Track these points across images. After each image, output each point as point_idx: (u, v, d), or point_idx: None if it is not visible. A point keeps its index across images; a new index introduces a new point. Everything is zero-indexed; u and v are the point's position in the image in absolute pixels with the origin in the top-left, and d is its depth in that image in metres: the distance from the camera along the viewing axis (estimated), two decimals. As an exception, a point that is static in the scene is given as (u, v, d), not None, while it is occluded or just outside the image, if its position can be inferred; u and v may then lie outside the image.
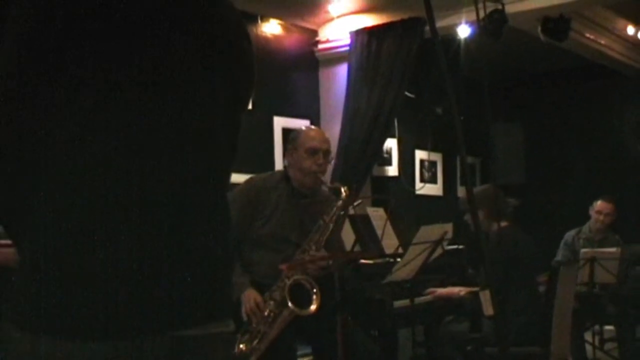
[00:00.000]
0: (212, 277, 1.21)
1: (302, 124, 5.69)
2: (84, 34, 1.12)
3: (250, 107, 5.36)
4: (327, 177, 5.48)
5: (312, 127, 4.07)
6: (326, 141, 3.64)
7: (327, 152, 3.59)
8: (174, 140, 1.18)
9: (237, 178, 5.41)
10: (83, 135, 1.11)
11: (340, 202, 3.46)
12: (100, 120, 1.12)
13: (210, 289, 1.21)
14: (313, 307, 3.20)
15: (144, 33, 1.15)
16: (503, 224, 4.15)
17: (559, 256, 5.86)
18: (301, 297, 3.23)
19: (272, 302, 3.30)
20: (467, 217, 4.15)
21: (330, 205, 3.48)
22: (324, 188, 3.63)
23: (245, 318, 3.32)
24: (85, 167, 1.12)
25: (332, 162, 3.69)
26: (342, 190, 3.49)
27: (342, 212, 3.52)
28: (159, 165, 1.16)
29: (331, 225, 3.41)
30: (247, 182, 3.72)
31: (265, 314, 3.29)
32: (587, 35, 6.02)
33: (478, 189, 4.41)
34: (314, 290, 3.23)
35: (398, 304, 4.00)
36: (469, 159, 7.33)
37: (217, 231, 1.23)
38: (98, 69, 1.12)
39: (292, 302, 3.21)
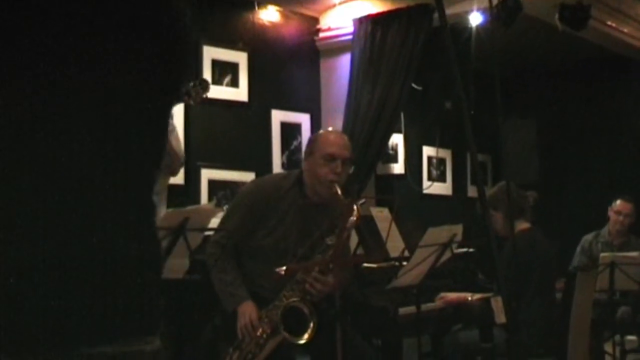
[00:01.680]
0: (130, 288, 1.16)
1: (301, 118, 5.67)
2: None
3: (246, 100, 5.38)
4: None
5: (333, 130, 3.95)
6: (347, 147, 3.51)
7: (346, 160, 3.46)
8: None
9: (233, 176, 5.40)
10: None
11: (352, 219, 3.24)
12: None
13: (129, 301, 1.16)
14: (306, 336, 3.12)
15: None
16: (522, 226, 4.12)
17: (575, 262, 5.83)
18: (297, 321, 3.17)
19: (267, 321, 3.26)
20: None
21: (338, 223, 3.29)
22: (340, 199, 3.39)
23: (239, 335, 3.28)
24: None
25: (351, 170, 3.55)
26: (355, 209, 3.27)
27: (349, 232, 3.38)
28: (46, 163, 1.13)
29: (337, 247, 3.25)
30: (255, 185, 3.64)
31: (258, 333, 3.25)
32: (608, 23, 5.97)
33: (490, 191, 4.37)
34: (311, 318, 3.14)
35: (403, 311, 3.97)
36: (480, 157, 7.29)
37: (134, 235, 1.18)
38: None
39: (285, 327, 3.15)
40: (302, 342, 3.14)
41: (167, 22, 1.21)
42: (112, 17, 1.15)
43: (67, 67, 1.12)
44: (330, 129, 3.98)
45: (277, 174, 3.62)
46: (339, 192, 3.35)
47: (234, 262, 3.44)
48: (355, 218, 3.24)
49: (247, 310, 3.29)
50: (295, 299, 3.20)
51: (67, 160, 1.11)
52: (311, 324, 3.13)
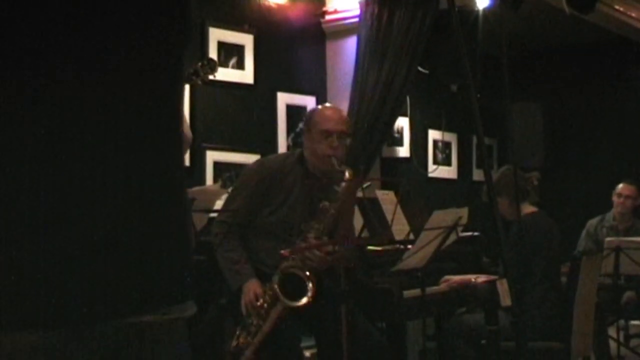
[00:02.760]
0: (167, 257, 1.18)
1: (307, 100, 5.66)
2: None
3: (251, 82, 5.37)
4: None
5: (329, 105, 3.99)
6: (343, 122, 3.57)
7: (343, 134, 3.51)
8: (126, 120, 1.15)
9: (238, 158, 5.41)
10: (23, 118, 1.10)
11: (342, 185, 3.40)
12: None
13: (167, 269, 1.18)
14: (305, 299, 3.18)
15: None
16: (528, 209, 4.12)
17: (580, 246, 5.83)
18: (296, 288, 3.21)
19: (269, 294, 3.30)
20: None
21: (332, 189, 3.44)
22: (334, 168, 3.51)
23: (244, 311, 3.31)
24: (27, 150, 1.10)
25: (348, 142, 3.64)
26: (346, 173, 3.42)
27: (347, 198, 3.46)
28: (105, 143, 1.14)
29: (333, 211, 3.36)
30: (260, 164, 3.68)
31: (258, 303, 3.30)
32: (616, 7, 5.95)
33: (496, 174, 4.37)
34: (309, 281, 3.20)
35: (408, 294, 3.98)
36: (486, 140, 7.29)
37: (169, 206, 1.20)
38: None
39: (284, 294, 3.19)
40: (300, 304, 3.18)
41: None
42: None
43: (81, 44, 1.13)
44: (327, 104, 4.00)
45: (280, 154, 3.70)
46: (335, 164, 3.43)
47: (239, 241, 3.48)
48: (347, 179, 3.36)
49: (252, 287, 3.34)
50: (291, 265, 3.24)
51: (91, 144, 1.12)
52: (309, 287, 3.19)
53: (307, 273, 3.24)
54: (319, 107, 3.71)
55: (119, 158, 1.14)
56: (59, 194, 1.11)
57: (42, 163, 1.10)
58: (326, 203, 3.38)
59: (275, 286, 3.21)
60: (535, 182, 4.24)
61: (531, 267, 3.99)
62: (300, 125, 5.58)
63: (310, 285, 3.21)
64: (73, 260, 1.10)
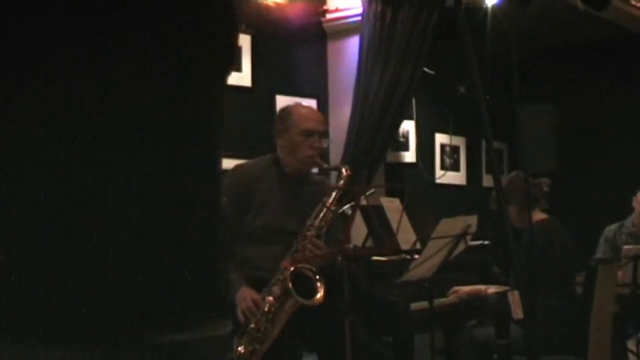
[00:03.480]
0: (201, 273, 1.20)
1: (308, 104, 5.66)
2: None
3: (249, 85, 5.38)
4: (335, 162, 5.47)
5: (304, 105, 4.10)
6: (322, 121, 3.69)
7: (323, 134, 3.63)
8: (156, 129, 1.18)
9: (235, 164, 5.40)
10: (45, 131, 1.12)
11: (341, 183, 3.50)
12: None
13: (201, 286, 1.20)
14: (319, 295, 3.24)
15: None
16: (539, 217, 4.13)
17: (599, 253, 5.83)
18: (304, 288, 3.26)
19: (271, 298, 3.33)
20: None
21: (329, 187, 3.54)
22: (323, 167, 3.72)
23: (242, 318, 3.34)
24: (50, 161, 1.12)
25: (329, 145, 3.79)
26: (343, 169, 3.54)
27: (342, 196, 3.57)
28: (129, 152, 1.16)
29: (333, 209, 3.45)
30: (234, 170, 3.75)
31: (266, 309, 3.32)
32: (632, 2, 5.96)
33: (505, 179, 4.38)
34: (318, 279, 3.26)
35: (415, 306, 3.99)
36: (495, 144, 7.29)
37: (203, 220, 1.22)
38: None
39: (297, 292, 3.24)
40: (315, 301, 3.23)
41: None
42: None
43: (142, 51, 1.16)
44: (299, 103, 4.10)
45: (251, 160, 3.76)
46: (322, 163, 3.60)
47: (228, 251, 3.52)
48: (344, 176, 3.50)
49: (247, 294, 3.39)
50: (299, 266, 3.29)
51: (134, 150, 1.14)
52: (319, 284, 3.24)
53: (313, 273, 3.30)
54: (293, 106, 3.78)
55: (143, 165, 1.16)
56: (80, 201, 1.12)
57: (64, 174, 1.13)
58: (325, 201, 3.46)
59: (290, 285, 3.24)
60: (546, 188, 4.26)
61: (543, 277, 3.99)
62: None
63: (320, 285, 3.26)
64: (96, 273, 1.11)
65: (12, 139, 1.12)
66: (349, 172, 3.56)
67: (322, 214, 3.46)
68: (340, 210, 4.16)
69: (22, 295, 1.10)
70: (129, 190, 1.14)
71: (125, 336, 1.12)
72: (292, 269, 3.29)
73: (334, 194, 3.49)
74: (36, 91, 1.12)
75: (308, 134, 3.55)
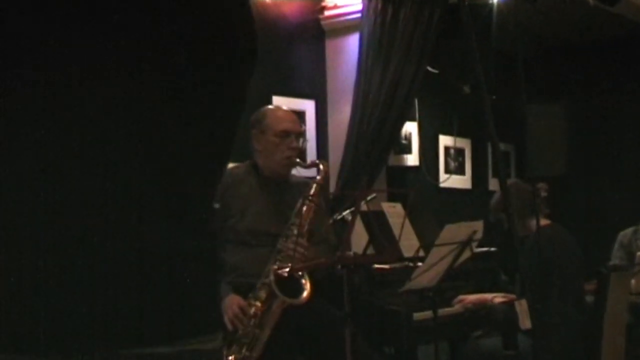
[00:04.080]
0: (189, 283, 1.20)
1: (305, 104, 5.68)
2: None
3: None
4: (334, 166, 5.48)
5: (276, 106, 4.22)
6: (297, 121, 3.83)
7: (299, 134, 3.75)
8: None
9: (229, 166, 5.40)
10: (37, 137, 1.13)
11: (319, 178, 3.63)
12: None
13: (189, 297, 1.20)
14: (305, 293, 3.30)
15: None
16: (541, 223, 4.13)
17: (615, 259, 5.82)
18: (290, 289, 3.33)
19: (258, 303, 3.39)
20: (501, 216, 4.14)
21: (308, 184, 3.63)
22: (302, 166, 3.80)
23: (229, 326, 3.37)
24: (39, 171, 1.13)
25: (306, 144, 3.88)
26: (321, 165, 3.67)
27: (322, 192, 3.69)
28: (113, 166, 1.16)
29: (313, 206, 3.54)
30: None
31: (252, 312, 3.37)
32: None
33: (494, 197, 4.42)
34: (302, 276, 3.34)
35: (418, 316, 3.99)
36: (502, 146, 7.30)
37: (194, 228, 1.22)
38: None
39: (282, 292, 3.30)
40: (301, 300, 3.30)
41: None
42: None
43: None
44: (272, 105, 4.21)
45: (229, 167, 3.84)
46: (300, 161, 3.73)
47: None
48: (322, 170, 3.64)
49: (233, 302, 3.44)
50: (282, 267, 3.37)
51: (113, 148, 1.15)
52: (304, 281, 3.32)
53: (301, 273, 3.37)
54: (267, 109, 3.91)
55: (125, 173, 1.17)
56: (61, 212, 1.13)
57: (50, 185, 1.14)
58: (303, 198, 3.55)
59: (274, 285, 3.31)
60: (544, 194, 4.28)
61: (548, 285, 3.99)
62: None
63: (304, 283, 3.33)
64: (76, 283, 1.12)
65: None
66: (326, 167, 3.72)
67: (303, 211, 3.55)
68: (340, 216, 4.17)
69: None
70: (111, 195, 1.14)
71: (102, 347, 1.13)
72: (275, 269, 3.35)
73: (313, 189, 3.60)
74: (28, 89, 1.12)
75: (285, 135, 3.67)
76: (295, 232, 3.49)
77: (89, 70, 1.14)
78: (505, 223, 4.23)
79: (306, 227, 3.53)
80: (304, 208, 3.55)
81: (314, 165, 3.75)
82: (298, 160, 3.73)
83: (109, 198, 1.14)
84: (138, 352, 1.14)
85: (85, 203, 1.13)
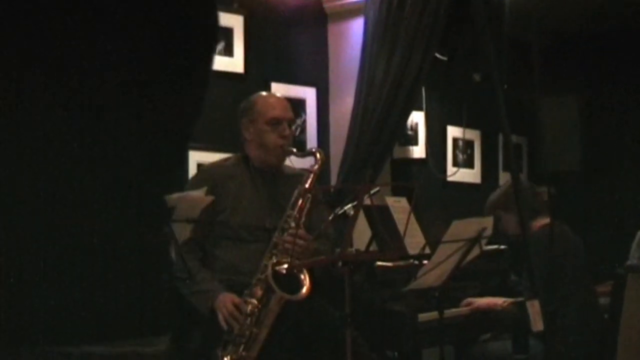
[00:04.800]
0: (129, 282, 1.19)
1: (306, 92, 5.67)
2: None
3: (241, 71, 5.38)
4: (336, 158, 5.48)
5: (268, 93, 4.24)
6: (288, 108, 3.82)
7: (291, 121, 3.78)
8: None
9: (224, 157, 5.38)
10: None
11: (316, 167, 3.63)
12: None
13: (128, 297, 1.19)
14: (304, 289, 3.33)
15: None
16: (541, 222, 4.15)
17: (633, 259, 5.82)
18: (288, 284, 3.36)
19: (254, 300, 3.40)
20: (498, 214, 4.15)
21: (304, 174, 3.65)
22: (296, 154, 3.79)
23: (224, 326, 3.38)
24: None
25: (297, 131, 3.91)
26: (317, 154, 3.68)
27: (318, 182, 3.71)
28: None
29: (310, 197, 3.55)
30: (200, 172, 3.85)
31: (248, 311, 3.37)
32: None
33: (495, 193, 4.46)
34: (301, 272, 3.36)
35: (423, 317, 3.99)
36: (514, 139, 7.29)
37: (137, 226, 1.21)
38: None
39: (280, 288, 3.33)
40: (300, 296, 3.34)
41: None
42: None
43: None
44: (263, 92, 4.19)
45: (218, 160, 3.88)
46: (294, 149, 3.74)
47: (198, 260, 3.58)
48: (319, 159, 3.64)
49: (227, 299, 3.45)
50: (279, 261, 3.40)
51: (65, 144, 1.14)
52: (302, 276, 3.36)
53: (299, 268, 3.40)
54: (256, 96, 3.91)
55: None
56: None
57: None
58: (300, 188, 3.58)
59: (271, 280, 3.34)
60: (546, 198, 4.30)
61: (551, 286, 4.00)
62: (299, 121, 5.63)
63: (303, 276, 3.36)
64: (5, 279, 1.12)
65: None
66: (322, 155, 3.71)
67: (299, 203, 3.56)
68: (342, 211, 4.17)
69: None
70: (56, 193, 1.14)
71: (28, 344, 1.13)
72: (272, 264, 3.37)
73: (309, 179, 3.61)
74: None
75: (275, 122, 3.69)
76: (293, 224, 3.49)
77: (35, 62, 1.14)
78: (501, 222, 4.27)
79: (303, 219, 3.53)
80: (300, 200, 3.56)
81: (310, 153, 3.75)
82: (294, 149, 3.74)
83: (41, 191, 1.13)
84: (68, 350, 1.14)
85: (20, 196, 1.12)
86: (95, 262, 1.16)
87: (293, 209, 3.56)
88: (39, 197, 1.14)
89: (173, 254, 3.29)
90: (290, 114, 3.79)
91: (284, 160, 3.79)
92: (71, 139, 1.14)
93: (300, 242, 3.47)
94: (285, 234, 3.51)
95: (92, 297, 1.16)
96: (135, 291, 1.21)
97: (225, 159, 3.90)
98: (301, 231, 3.51)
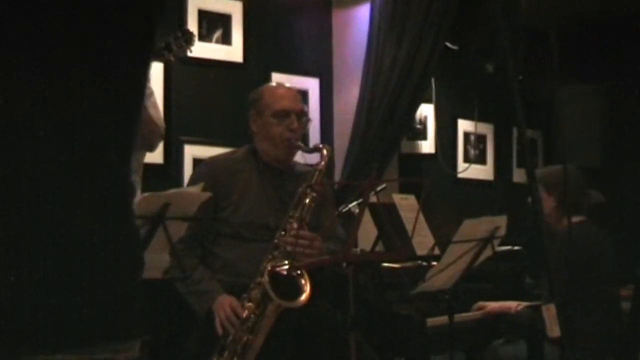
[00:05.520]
0: (96, 281, 1.18)
1: (309, 83, 5.68)
2: None
3: (240, 60, 5.38)
4: (340, 152, 5.48)
5: (278, 84, 4.19)
6: (299, 99, 3.80)
7: (301, 114, 3.72)
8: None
9: (221, 152, 5.41)
10: None
11: (322, 164, 3.62)
12: None
13: (95, 298, 1.17)
14: (304, 295, 3.31)
15: None
16: (575, 219, 4.14)
17: None
18: (287, 289, 3.34)
19: (251, 304, 3.39)
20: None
21: (310, 171, 3.63)
22: (303, 149, 3.79)
23: (220, 331, 3.38)
24: None
25: (309, 124, 3.87)
26: (324, 150, 3.66)
27: (325, 180, 3.73)
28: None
29: (313, 194, 3.53)
30: (205, 165, 3.84)
31: (244, 317, 3.38)
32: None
33: (550, 168, 4.37)
34: (301, 276, 3.35)
35: (432, 322, 4.00)
36: (529, 133, 7.30)
37: (105, 219, 1.20)
38: None
39: (277, 295, 3.30)
40: (298, 303, 3.31)
41: None
42: None
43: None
44: (273, 83, 4.17)
45: (224, 152, 3.87)
46: (302, 145, 3.72)
47: (199, 257, 3.61)
48: (325, 155, 3.63)
49: (225, 302, 3.45)
50: (283, 266, 3.38)
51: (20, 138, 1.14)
52: (302, 281, 3.34)
53: (299, 271, 3.38)
54: (265, 86, 3.91)
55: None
56: None
57: None
58: (304, 187, 3.55)
59: (268, 286, 3.31)
60: (593, 200, 4.27)
61: (577, 289, 4.00)
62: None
63: (303, 282, 3.34)
64: None
65: None
66: (329, 152, 3.70)
67: (302, 201, 3.55)
68: (346, 209, 4.18)
69: None
70: (15, 185, 1.13)
71: None
72: (269, 268, 3.36)
73: (314, 176, 3.60)
74: None
75: (284, 114, 3.66)
76: (295, 225, 3.49)
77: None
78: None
79: (307, 220, 3.53)
80: (305, 199, 3.55)
81: (316, 149, 3.75)
82: (300, 143, 3.73)
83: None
84: (34, 359, 1.13)
85: None
86: (56, 257, 1.15)
87: (296, 208, 3.55)
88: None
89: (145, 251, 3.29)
90: (299, 106, 3.75)
91: (292, 155, 3.77)
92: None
93: (303, 242, 3.46)
94: (287, 235, 3.50)
95: (57, 298, 1.15)
96: (103, 290, 1.19)
97: (233, 152, 3.88)
98: (303, 232, 3.49)
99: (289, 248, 3.46)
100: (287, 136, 3.65)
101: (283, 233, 3.52)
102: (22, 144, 1.14)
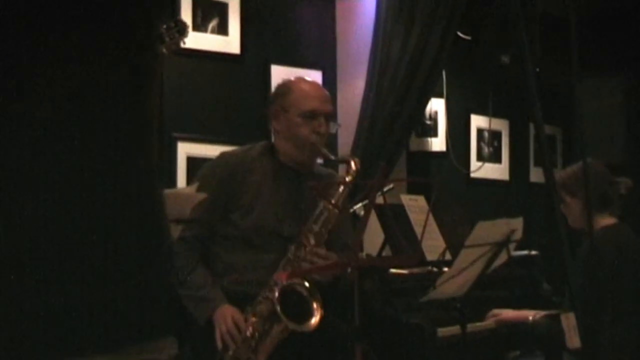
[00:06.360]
0: (131, 285, 1.20)
1: (311, 76, 5.64)
2: None
3: (237, 52, 5.38)
4: (344, 150, 5.48)
5: (304, 78, 4.10)
6: (328, 99, 3.72)
7: (329, 115, 3.66)
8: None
9: (218, 151, 5.41)
10: None
11: (348, 178, 3.55)
12: None
13: (131, 300, 1.20)
14: (314, 319, 3.28)
15: None
16: (607, 221, 4.13)
17: None
18: (296, 308, 3.29)
19: (255, 319, 3.37)
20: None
21: (334, 183, 3.58)
22: (329, 158, 3.73)
23: (219, 344, 3.37)
24: None
25: (337, 130, 3.82)
26: (352, 162, 3.59)
27: (350, 193, 3.62)
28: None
29: (336, 212, 3.48)
30: (218, 159, 3.80)
31: (248, 334, 3.35)
32: None
33: (568, 170, 4.36)
34: (313, 297, 3.30)
35: (443, 331, 4.00)
36: (547, 129, 7.29)
37: (140, 224, 1.22)
38: None
39: (286, 315, 3.26)
40: (308, 327, 3.28)
41: None
42: None
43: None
44: (299, 77, 4.12)
45: (239, 148, 3.80)
46: (327, 152, 3.63)
47: (201, 261, 3.60)
48: (353, 171, 3.55)
49: (228, 313, 3.42)
50: (293, 282, 3.32)
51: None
52: (314, 304, 3.29)
53: (308, 291, 3.34)
54: (293, 81, 3.80)
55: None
56: None
57: None
58: (326, 201, 3.50)
59: (278, 306, 3.27)
60: (623, 191, 4.25)
61: (608, 297, 3.99)
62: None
63: (316, 306, 3.30)
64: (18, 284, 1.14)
65: None
66: (358, 165, 3.61)
67: (323, 217, 3.50)
68: (351, 210, 4.17)
69: None
70: (44, 188, 1.15)
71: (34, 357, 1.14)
72: (280, 285, 3.31)
73: (339, 190, 3.53)
74: None
75: (311, 115, 3.60)
76: (313, 241, 3.45)
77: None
78: (564, 207, 4.17)
79: (325, 237, 3.49)
80: (324, 216, 3.50)
81: (343, 160, 3.69)
82: (325, 151, 3.64)
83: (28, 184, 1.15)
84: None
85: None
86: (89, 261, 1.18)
87: (315, 223, 3.49)
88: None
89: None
90: (329, 107, 3.68)
91: (315, 159, 3.73)
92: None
93: (319, 262, 3.42)
94: (302, 251, 3.45)
95: (89, 301, 1.17)
96: (133, 292, 1.22)
97: (250, 147, 3.79)
98: (321, 250, 3.45)
99: (304, 265, 3.42)
100: (313, 139, 3.59)
101: (297, 247, 3.47)
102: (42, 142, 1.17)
